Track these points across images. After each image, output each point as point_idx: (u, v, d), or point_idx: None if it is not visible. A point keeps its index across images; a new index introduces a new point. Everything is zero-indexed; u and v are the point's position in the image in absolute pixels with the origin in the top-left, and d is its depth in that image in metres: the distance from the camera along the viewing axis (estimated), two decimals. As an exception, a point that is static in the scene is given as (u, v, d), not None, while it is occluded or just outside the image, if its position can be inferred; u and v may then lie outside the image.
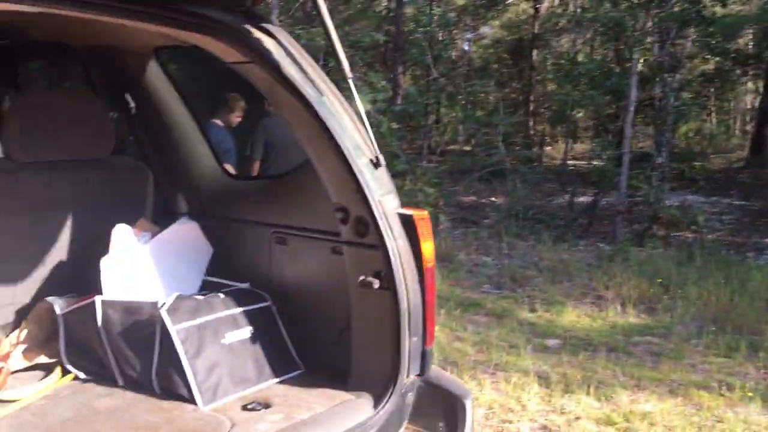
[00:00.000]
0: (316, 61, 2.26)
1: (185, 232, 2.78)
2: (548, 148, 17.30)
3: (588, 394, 4.40)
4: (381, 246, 2.20)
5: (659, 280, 6.96)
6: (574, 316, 6.31)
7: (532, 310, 6.48)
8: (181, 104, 2.93)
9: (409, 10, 14.01)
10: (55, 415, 2.15)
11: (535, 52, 17.26)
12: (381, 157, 2.31)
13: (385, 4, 16.82)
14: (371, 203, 2.21)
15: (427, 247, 2.29)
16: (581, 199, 11.54)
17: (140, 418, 2.14)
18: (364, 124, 2.32)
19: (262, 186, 2.93)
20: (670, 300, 6.56)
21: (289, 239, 2.63)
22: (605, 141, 10.74)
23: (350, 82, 2.29)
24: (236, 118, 6.29)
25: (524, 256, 8.79)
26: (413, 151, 14.23)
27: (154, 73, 2.87)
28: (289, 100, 2.25)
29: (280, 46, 2.27)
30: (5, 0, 1.70)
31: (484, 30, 21.98)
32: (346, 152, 2.21)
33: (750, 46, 14.04)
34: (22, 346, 2.53)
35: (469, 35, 21.74)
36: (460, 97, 17.38)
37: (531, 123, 17.04)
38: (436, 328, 5.79)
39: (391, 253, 2.18)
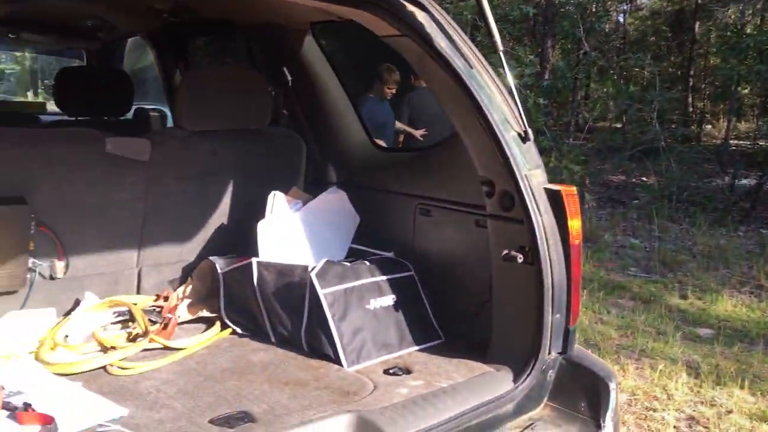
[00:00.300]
0: (489, 27, 2.25)
1: (334, 201, 2.90)
2: (708, 127, 16.13)
3: (742, 387, 4.13)
4: (526, 220, 2.18)
5: (832, 272, 6.35)
6: (729, 306, 5.91)
7: (683, 297, 6.15)
8: (334, 78, 3.03)
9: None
10: (216, 365, 2.34)
11: (697, 24, 16.03)
12: (530, 131, 2.27)
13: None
14: (518, 177, 2.18)
15: (575, 224, 2.23)
16: (743, 181, 10.69)
17: (291, 374, 2.27)
18: (513, 97, 2.30)
19: (408, 158, 2.98)
20: (844, 294, 5.97)
21: (433, 211, 2.67)
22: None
23: (501, 54, 2.27)
24: (389, 90, 6.40)
25: (676, 239, 8.32)
26: (559, 128, 13.79)
27: (309, 47, 3.00)
28: (439, 73, 2.27)
29: (432, 18, 2.29)
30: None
31: (642, 1, 20.73)
32: (494, 125, 2.20)
33: None
34: (187, 301, 2.76)
35: (624, 6, 20.61)
36: (612, 71, 16.58)
37: (690, 99, 15.92)
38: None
39: (536, 228, 2.16)
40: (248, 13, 2.91)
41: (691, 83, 16.11)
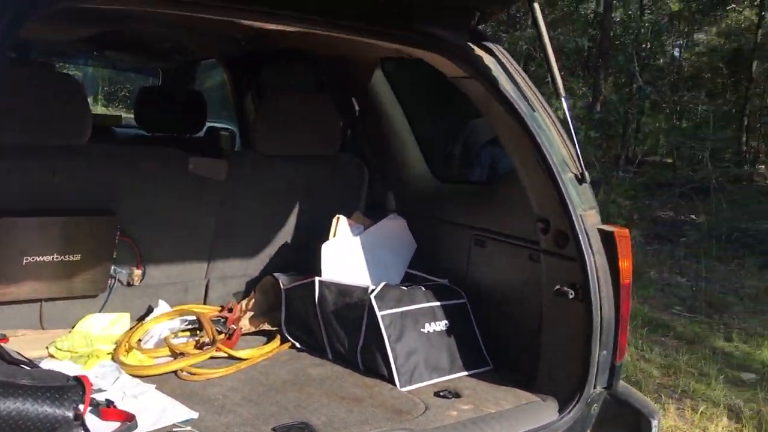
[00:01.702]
0: (552, 75, 2.39)
1: (393, 227, 3.05)
2: (762, 167, 15.85)
3: (784, 435, 4.12)
4: (579, 259, 2.29)
5: None
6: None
7: (728, 340, 6.10)
8: (399, 110, 3.19)
9: (617, 15, 13.54)
10: (277, 376, 2.50)
11: (755, 63, 15.84)
12: (586, 174, 2.40)
13: (593, 7, 16.33)
14: (573, 217, 2.31)
15: (625, 265, 2.35)
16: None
17: (347, 389, 2.41)
18: (572, 139, 2.42)
19: (467, 190, 3.12)
20: None
21: (488, 242, 2.79)
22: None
23: (563, 101, 2.40)
24: None
25: (724, 280, 8.22)
26: (609, 161, 13.75)
27: (378, 80, 3.17)
28: (502, 114, 2.41)
29: (498, 62, 2.44)
30: (279, 23, 2.03)
31: (699, 37, 20.52)
32: (552, 166, 2.33)
33: None
34: (250, 313, 2.93)
35: (680, 42, 20.44)
36: (665, 106, 16.46)
37: (744, 139, 15.69)
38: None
39: (588, 267, 2.27)
40: (323, 46, 3.10)
41: (745, 122, 15.88)
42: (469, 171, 3.30)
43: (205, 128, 4.35)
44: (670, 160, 14.33)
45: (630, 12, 12.20)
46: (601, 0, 13.73)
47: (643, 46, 11.90)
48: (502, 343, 2.70)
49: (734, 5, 14.13)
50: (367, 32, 2.27)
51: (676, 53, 20.55)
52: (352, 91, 3.31)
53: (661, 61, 17.78)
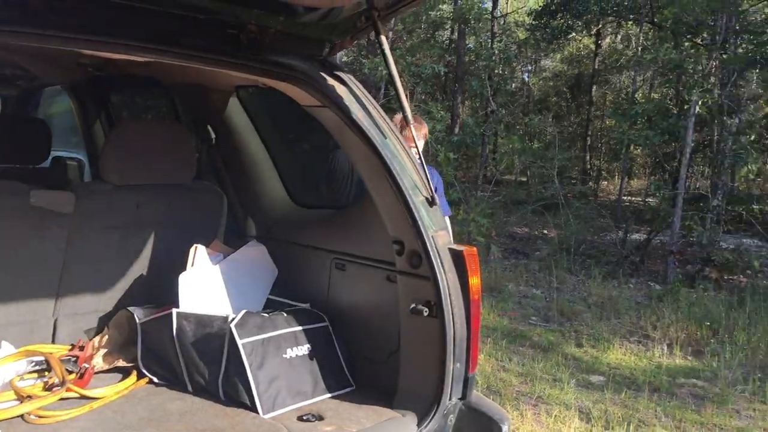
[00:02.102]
0: (378, 89, 2.50)
1: (254, 254, 3.04)
2: (605, 183, 17.22)
3: (628, 431, 4.47)
4: (432, 277, 2.41)
5: (708, 324, 6.92)
6: (620, 354, 6.34)
7: (579, 345, 6.54)
8: (256, 137, 3.21)
9: (470, 42, 14.29)
10: (133, 414, 2.41)
11: (594, 88, 17.26)
12: (436, 197, 2.53)
13: (448, 35, 17.13)
14: (425, 238, 2.42)
15: (475, 281, 2.49)
16: (635, 236, 11.49)
17: (207, 422, 2.38)
18: (422, 165, 2.55)
19: (326, 215, 3.18)
20: (718, 344, 6.52)
21: (348, 265, 2.86)
22: (661, 180, 10.70)
23: (412, 128, 2.53)
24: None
25: (574, 290, 8.83)
26: (469, 180, 14.40)
27: (234, 108, 3.17)
28: (355, 141, 2.50)
29: (350, 91, 2.53)
30: (123, 52, 2.00)
31: (545, 63, 22.08)
32: (404, 190, 2.44)
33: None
34: (104, 350, 2.81)
35: (529, 68, 21.88)
36: (518, 127, 17.51)
37: (587, 158, 17.01)
38: (482, 357, 5.93)
39: (441, 285, 2.39)
40: (175, 74, 3.06)
41: (588, 142, 17.21)
42: (338, 196, 3.37)
43: (50, 158, 4.13)
44: (524, 179, 15.24)
45: (480, 40, 12.92)
46: (455, 28, 14.45)
47: (496, 71, 12.60)
48: (365, 362, 2.76)
49: (575, 34, 15.32)
50: (217, 62, 2.28)
51: (526, 78, 21.98)
52: (208, 118, 3.29)
53: (513, 85, 18.92)
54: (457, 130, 13.04)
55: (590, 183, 15.75)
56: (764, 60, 10.96)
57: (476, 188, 12.41)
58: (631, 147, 10.71)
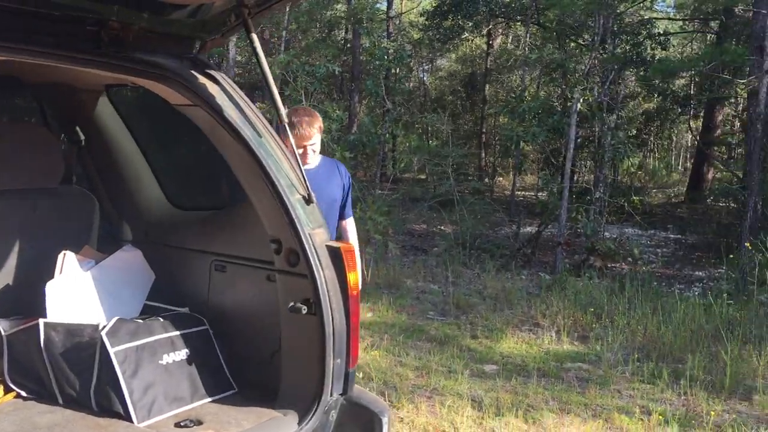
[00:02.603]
0: (273, 99, 2.48)
1: (128, 259, 2.95)
2: (500, 179, 17.79)
3: (517, 417, 4.63)
4: (310, 275, 2.41)
5: (592, 310, 7.28)
6: (512, 343, 6.56)
7: (474, 337, 6.72)
8: (128, 137, 3.11)
9: (366, 41, 14.39)
10: (-2, 430, 2.29)
11: (487, 87, 17.80)
12: (313, 195, 2.53)
13: (343, 34, 17.20)
14: (302, 236, 2.42)
15: (353, 277, 2.51)
16: (528, 229, 11.94)
17: (78, 434, 2.28)
18: (298, 164, 2.55)
19: (205, 216, 3.12)
20: (601, 329, 6.87)
21: (228, 266, 2.82)
22: (549, 175, 11.19)
23: (285, 126, 2.52)
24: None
25: (469, 284, 9.06)
26: (368, 179, 14.50)
27: (104, 108, 3.06)
28: (229, 140, 2.47)
29: (222, 90, 2.50)
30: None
31: (441, 63, 22.55)
32: (280, 189, 2.43)
33: (690, 88, 14.81)
34: (-34, 366, 2.64)
35: (426, 67, 22.31)
36: (416, 126, 17.81)
37: (482, 155, 17.52)
38: (379, 353, 5.97)
39: (318, 282, 2.40)
40: (37, 73, 2.92)
41: (483, 140, 17.73)
42: (217, 196, 3.31)
43: None
44: (422, 176, 15.51)
45: (373, 40, 13.05)
46: (350, 28, 14.53)
47: (391, 71, 12.78)
48: (247, 364, 2.74)
49: (467, 35, 15.73)
50: (76, 60, 2.19)
51: (424, 77, 22.39)
52: (76, 119, 3.15)
53: (410, 85, 19.22)
54: (354, 129, 13.10)
55: (486, 179, 16.23)
56: (640, 59, 11.67)
57: (375, 186, 12.53)
58: (522, 143, 11.10)
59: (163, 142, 3.14)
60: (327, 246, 2.48)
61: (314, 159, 3.55)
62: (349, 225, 3.94)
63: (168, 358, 2.55)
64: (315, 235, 2.47)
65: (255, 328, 2.73)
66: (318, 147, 3.56)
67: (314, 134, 3.47)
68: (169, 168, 3.15)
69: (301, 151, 3.34)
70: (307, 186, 2.52)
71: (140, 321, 2.61)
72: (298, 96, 10.32)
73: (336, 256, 2.48)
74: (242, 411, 2.47)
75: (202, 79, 2.46)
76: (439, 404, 4.80)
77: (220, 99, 2.46)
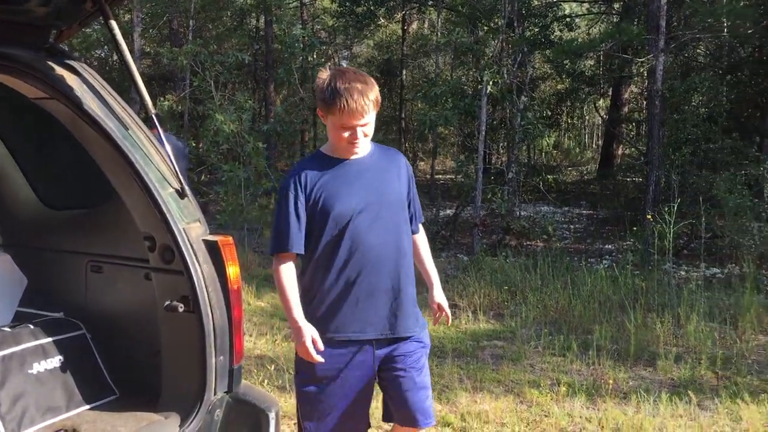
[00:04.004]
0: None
1: (-3, 265, 2.78)
2: (421, 163, 17.89)
3: (433, 397, 4.65)
4: (186, 271, 2.32)
5: (507, 288, 7.41)
6: (430, 326, 6.56)
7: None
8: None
9: (278, 29, 14.15)
10: None
11: (404, 72, 17.84)
12: (186, 187, 2.44)
13: (255, 23, 16.86)
14: (176, 231, 2.33)
15: (233, 271, 2.43)
16: (447, 212, 12.06)
17: (-62, 454, 2.14)
18: (170, 156, 2.45)
19: (78, 215, 2.97)
20: (515, 306, 7.01)
21: (105, 267, 2.70)
22: (465, 157, 11.33)
23: (153, 117, 2.41)
24: None
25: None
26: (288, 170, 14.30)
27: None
28: (91, 134, 2.34)
29: (83, 81, 2.36)
30: None
31: (359, 50, 22.46)
32: (149, 183, 2.33)
33: (597, 68, 15.25)
34: None
35: (345, 53, 22.17)
36: (334, 114, 17.62)
37: (402, 140, 17.58)
38: (267, 344, 5.86)
39: (195, 278, 2.31)
40: None
41: (403, 125, 17.78)
42: (91, 193, 3.11)
43: None
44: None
45: (283, 28, 12.84)
46: (262, 15, 14.26)
47: (306, 59, 12.62)
48: (128, 367, 2.63)
49: (383, 21, 15.69)
50: None
51: (343, 64, 22.26)
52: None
53: (327, 72, 19.00)
54: (270, 119, 12.89)
55: (407, 164, 16.27)
56: (548, 42, 11.91)
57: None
58: (438, 127, 11.17)
59: (32, 139, 2.96)
60: (204, 240, 2.40)
61: (365, 145, 2.54)
62: (421, 240, 2.88)
63: (39, 367, 2.42)
64: (190, 230, 2.38)
65: (135, 330, 2.62)
66: (372, 129, 2.51)
67: (370, 109, 2.42)
68: (39, 166, 2.98)
69: (347, 134, 2.44)
70: (180, 179, 2.42)
71: (7, 330, 2.46)
72: (207, 86, 10.06)
73: (214, 250, 2.40)
74: (122, 417, 2.37)
75: (59, 71, 2.33)
76: (351, 391, 4.78)
77: (80, 91, 2.33)
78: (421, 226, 2.86)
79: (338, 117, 2.40)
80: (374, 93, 2.45)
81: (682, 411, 4.38)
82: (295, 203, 2.45)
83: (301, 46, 11.29)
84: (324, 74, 2.47)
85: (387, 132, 16.54)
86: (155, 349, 2.49)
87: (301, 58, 11.83)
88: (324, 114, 2.47)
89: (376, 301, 2.56)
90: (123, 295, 2.66)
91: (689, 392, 4.58)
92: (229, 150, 10.13)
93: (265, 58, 14.57)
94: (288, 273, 2.45)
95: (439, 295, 2.95)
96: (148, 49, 15.06)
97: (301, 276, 2.55)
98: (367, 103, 2.40)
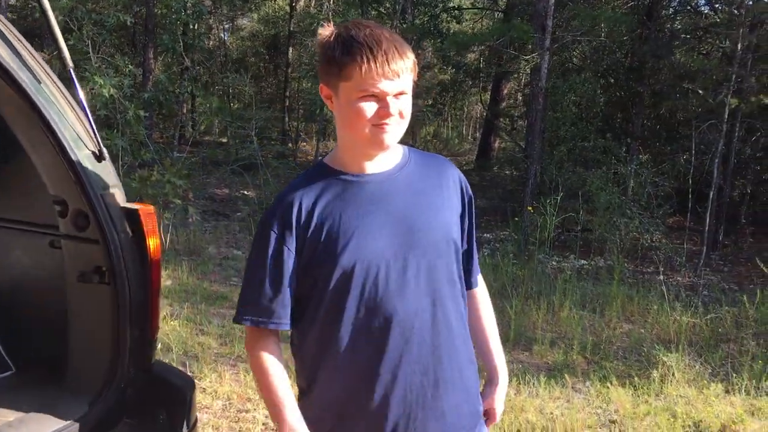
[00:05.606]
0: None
1: None
2: (304, 144, 17.74)
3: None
4: (102, 240, 2.17)
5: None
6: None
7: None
8: None
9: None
10: None
11: (291, 50, 17.57)
12: (104, 150, 2.28)
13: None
14: (92, 196, 2.17)
15: (152, 242, 2.30)
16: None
17: None
18: (87, 115, 2.27)
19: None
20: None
21: (2, 233, 2.47)
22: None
23: (71, 71, 2.23)
24: None
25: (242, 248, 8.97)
26: (166, 141, 13.74)
27: None
28: (2, 87, 2.13)
29: (-9, 26, 2.14)
30: None
31: (242, 22, 21.83)
32: (64, 143, 2.15)
33: (480, 61, 15.77)
34: None
35: (227, 25, 21.47)
36: (217, 87, 17.11)
37: (286, 119, 17.33)
38: (179, 323, 5.69)
39: (112, 248, 2.17)
40: None
41: (287, 104, 17.53)
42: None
43: None
44: (224, 140, 15.00)
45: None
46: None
47: (191, 26, 12.10)
48: (28, 342, 2.43)
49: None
50: None
51: (224, 36, 21.56)
52: None
53: (210, 43, 18.40)
54: (149, 86, 12.26)
55: (290, 144, 16.10)
56: (437, 31, 12.16)
57: (173, 149, 11.90)
58: (323, 109, 11.11)
59: None
60: (122, 208, 2.25)
61: (398, 134, 1.62)
62: (482, 299, 1.97)
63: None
64: (108, 196, 2.22)
65: (37, 301, 2.43)
66: (409, 107, 1.62)
67: (406, 68, 1.56)
68: None
69: (374, 107, 1.55)
70: (98, 140, 2.26)
71: None
72: (84, 47, 9.40)
73: (133, 219, 2.26)
74: (23, 393, 2.19)
75: (-36, 14, 2.09)
76: (243, 372, 4.69)
77: (-12, 36, 2.11)
78: (481, 279, 1.95)
79: (359, 78, 1.52)
80: (410, 50, 1.59)
81: (558, 393, 4.66)
82: (279, 249, 1.61)
83: (188, 12, 10.83)
84: (327, 30, 1.61)
85: (271, 109, 16.24)
86: (60, 322, 2.32)
87: (189, 24, 11.34)
88: (334, 83, 1.58)
89: (408, 405, 1.65)
90: (23, 264, 2.45)
91: (565, 375, 4.89)
92: (105, 116, 9.56)
93: (144, 21, 13.81)
94: (270, 361, 1.65)
95: (500, 399, 1.94)
96: (14, 1, 13.84)
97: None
98: (401, 57, 1.54)
